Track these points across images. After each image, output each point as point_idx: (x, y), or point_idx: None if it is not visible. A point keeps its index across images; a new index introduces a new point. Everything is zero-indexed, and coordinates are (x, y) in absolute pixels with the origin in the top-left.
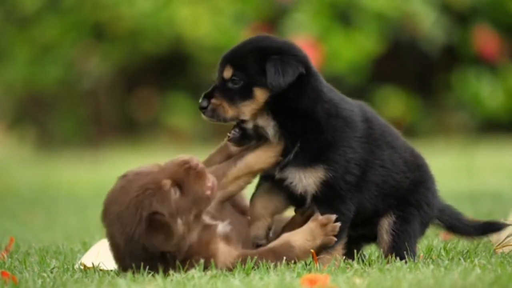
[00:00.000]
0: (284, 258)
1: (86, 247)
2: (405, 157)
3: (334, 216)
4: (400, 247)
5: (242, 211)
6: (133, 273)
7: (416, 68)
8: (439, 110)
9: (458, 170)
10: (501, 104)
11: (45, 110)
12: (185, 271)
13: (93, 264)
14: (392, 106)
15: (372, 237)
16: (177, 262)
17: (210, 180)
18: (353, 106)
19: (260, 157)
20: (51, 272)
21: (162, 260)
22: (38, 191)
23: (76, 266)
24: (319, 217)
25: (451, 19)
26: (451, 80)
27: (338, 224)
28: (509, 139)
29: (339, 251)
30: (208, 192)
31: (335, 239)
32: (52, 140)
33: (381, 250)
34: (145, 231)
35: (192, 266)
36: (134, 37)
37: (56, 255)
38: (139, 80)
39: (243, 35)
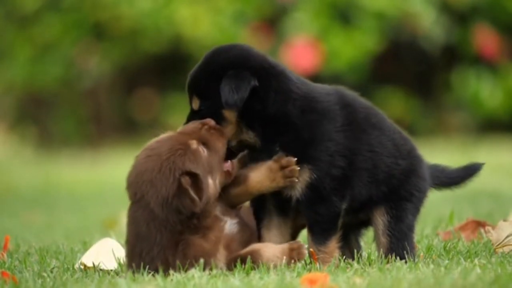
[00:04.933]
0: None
1: (86, 246)
2: (394, 140)
3: (305, 246)
4: (398, 247)
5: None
6: (133, 272)
7: (416, 67)
8: (439, 109)
9: None
10: (501, 104)
11: (45, 110)
12: (185, 271)
13: (93, 263)
14: (392, 105)
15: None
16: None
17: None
18: (329, 96)
19: (262, 184)
20: (51, 272)
21: (189, 225)
22: (38, 191)
23: (76, 265)
24: (294, 244)
25: (451, 19)
26: (451, 79)
27: (306, 252)
28: (508, 138)
29: (333, 246)
30: (228, 166)
31: (298, 262)
32: (52, 140)
33: (380, 250)
34: (176, 192)
35: (192, 265)
36: (134, 37)
37: (56, 255)
38: (139, 80)
39: (243, 34)
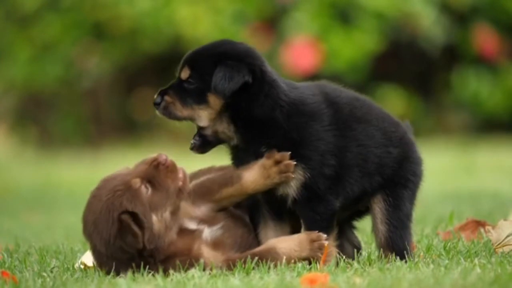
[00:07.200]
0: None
1: (86, 246)
2: (383, 128)
3: (325, 236)
4: (396, 235)
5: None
6: (133, 272)
7: (416, 67)
8: (439, 109)
9: (457, 170)
10: (501, 104)
11: (45, 110)
12: (185, 271)
13: (93, 263)
14: (392, 105)
15: (365, 210)
16: (158, 263)
17: (181, 172)
18: (315, 96)
19: (257, 183)
20: (51, 272)
21: (142, 261)
22: (38, 191)
23: (76, 265)
24: (311, 233)
25: (451, 19)
26: (451, 79)
27: (326, 242)
28: (508, 138)
29: (330, 245)
30: (180, 183)
31: (321, 255)
32: (52, 140)
33: (378, 240)
34: (117, 232)
35: (173, 267)
36: (134, 37)
37: (56, 255)
38: (139, 79)
39: (243, 34)
